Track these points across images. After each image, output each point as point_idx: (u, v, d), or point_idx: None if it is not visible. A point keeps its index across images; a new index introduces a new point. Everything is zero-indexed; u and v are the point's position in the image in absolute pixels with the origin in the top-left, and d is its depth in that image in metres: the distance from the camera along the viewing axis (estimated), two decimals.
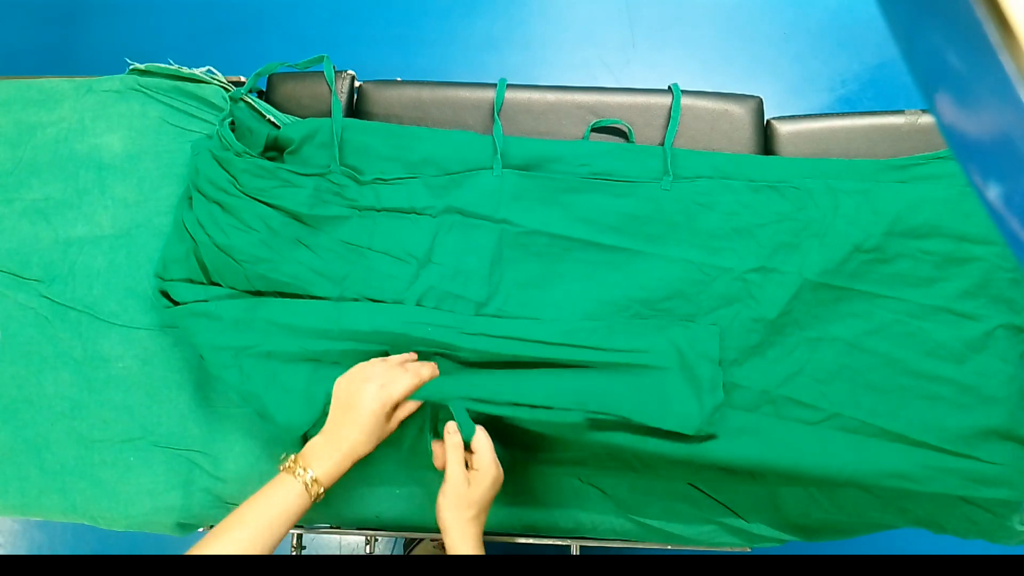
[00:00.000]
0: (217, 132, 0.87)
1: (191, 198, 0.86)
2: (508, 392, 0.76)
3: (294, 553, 0.99)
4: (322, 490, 0.69)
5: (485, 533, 0.78)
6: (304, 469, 0.68)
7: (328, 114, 0.96)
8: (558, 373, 0.78)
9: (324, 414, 0.76)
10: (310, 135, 0.89)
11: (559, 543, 0.88)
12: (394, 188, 0.87)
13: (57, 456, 0.85)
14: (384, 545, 1.42)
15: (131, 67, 0.95)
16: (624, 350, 0.78)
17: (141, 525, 0.85)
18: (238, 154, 0.85)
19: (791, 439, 0.77)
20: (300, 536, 0.98)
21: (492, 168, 0.88)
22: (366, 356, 0.79)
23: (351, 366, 0.78)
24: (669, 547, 0.87)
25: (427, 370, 0.78)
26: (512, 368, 0.79)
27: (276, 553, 0.67)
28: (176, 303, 0.82)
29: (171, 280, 0.84)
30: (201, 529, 0.89)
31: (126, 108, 0.93)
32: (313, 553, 1.45)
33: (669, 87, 0.98)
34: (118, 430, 0.85)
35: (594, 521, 0.85)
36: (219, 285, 0.84)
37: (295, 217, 0.85)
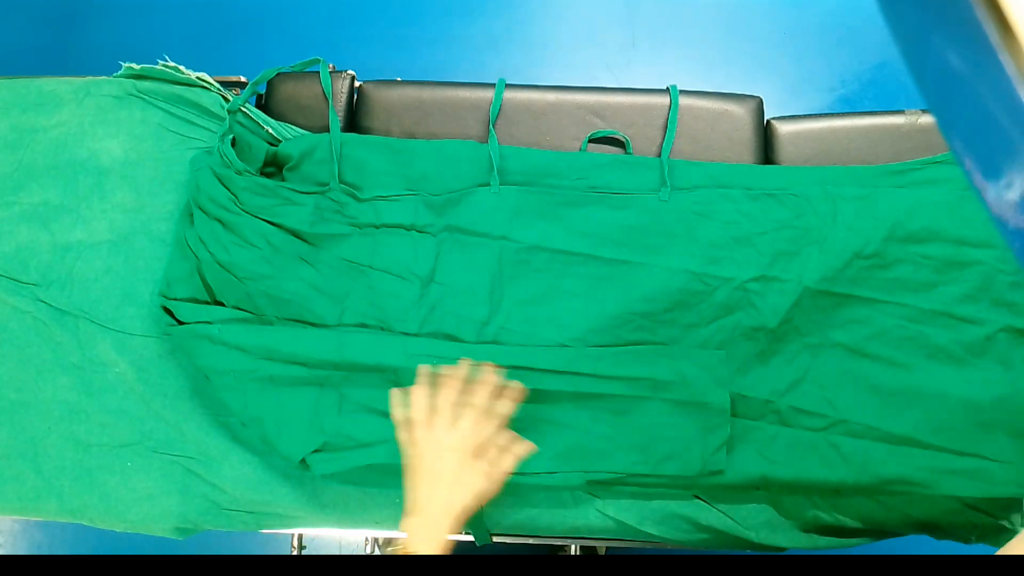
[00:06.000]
0: (218, 149, 0.87)
1: (192, 215, 0.86)
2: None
3: (294, 553, 0.99)
4: None
5: (491, 533, 0.78)
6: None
7: (328, 115, 0.96)
8: (560, 429, 0.78)
9: (325, 444, 0.76)
10: (309, 151, 0.88)
11: (559, 543, 0.87)
12: (393, 205, 0.87)
13: (55, 460, 0.85)
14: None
15: (124, 66, 0.94)
16: (629, 378, 0.78)
17: (139, 528, 0.85)
18: (238, 172, 0.85)
19: (794, 451, 0.78)
20: (300, 536, 0.97)
21: (490, 184, 0.88)
22: (370, 384, 0.80)
23: (356, 392, 0.79)
24: (669, 546, 0.87)
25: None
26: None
27: (276, 553, 0.66)
28: (180, 322, 0.82)
29: (175, 299, 0.83)
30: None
31: (126, 114, 0.93)
32: (313, 553, 1.44)
33: (667, 88, 0.98)
34: (115, 435, 0.85)
35: (591, 524, 0.85)
36: (223, 305, 0.84)
37: (296, 235, 0.85)
